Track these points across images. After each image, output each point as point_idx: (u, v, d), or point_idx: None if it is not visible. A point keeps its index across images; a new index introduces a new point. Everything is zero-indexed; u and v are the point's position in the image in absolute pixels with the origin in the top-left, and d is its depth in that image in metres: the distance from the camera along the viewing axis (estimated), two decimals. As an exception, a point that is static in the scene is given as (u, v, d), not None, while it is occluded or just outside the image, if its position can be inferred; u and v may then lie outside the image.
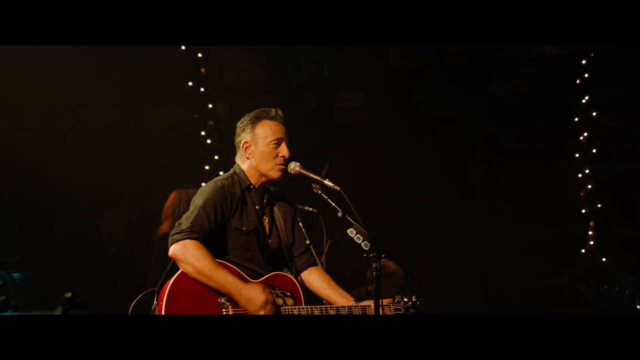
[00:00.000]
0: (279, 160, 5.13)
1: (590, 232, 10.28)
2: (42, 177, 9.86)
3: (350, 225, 5.03)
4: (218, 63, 11.12)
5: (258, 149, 5.16)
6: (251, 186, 5.14)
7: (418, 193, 10.80)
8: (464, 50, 10.82)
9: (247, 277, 5.01)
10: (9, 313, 3.06)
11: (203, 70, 10.91)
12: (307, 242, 5.49)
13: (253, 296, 4.83)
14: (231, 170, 5.25)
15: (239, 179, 5.13)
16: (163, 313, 4.63)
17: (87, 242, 10.10)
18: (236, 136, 5.31)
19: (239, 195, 5.06)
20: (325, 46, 11.00)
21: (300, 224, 5.54)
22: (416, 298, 5.24)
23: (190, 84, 10.90)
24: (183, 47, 10.83)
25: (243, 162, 5.23)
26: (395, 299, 5.29)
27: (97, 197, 10.28)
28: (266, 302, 4.84)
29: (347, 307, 5.18)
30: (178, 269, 4.84)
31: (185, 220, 4.85)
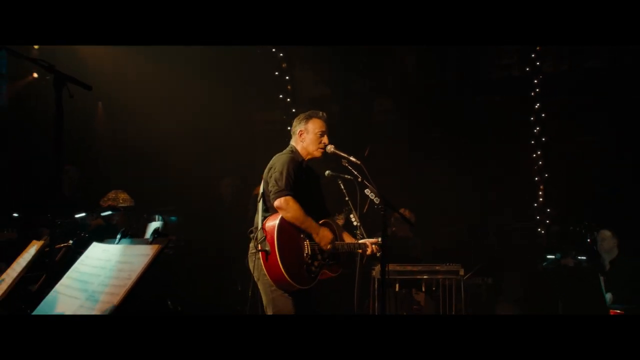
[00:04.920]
0: (322, 145, 5.27)
1: (540, 193, 10.27)
2: (186, 157, 10.11)
3: (366, 187, 5.19)
4: (299, 82, 11.21)
5: (310, 135, 5.28)
6: (302, 160, 5.23)
7: (427, 168, 10.83)
8: (460, 72, 10.80)
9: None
10: (127, 239, 3.14)
11: (289, 87, 11.05)
12: (347, 198, 5.56)
13: (325, 235, 5.07)
14: (289, 148, 5.34)
15: (297, 155, 5.23)
16: (275, 242, 4.75)
17: (211, 198, 10.35)
18: (294, 126, 5.44)
19: (300, 164, 5.17)
20: (369, 69, 11.06)
21: (342, 186, 5.62)
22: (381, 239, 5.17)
23: (281, 96, 11.04)
24: (276, 73, 10.98)
25: (297, 144, 5.34)
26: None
27: (219, 168, 10.53)
28: (332, 240, 5.11)
29: (355, 243, 5.42)
30: (266, 216, 5.03)
31: (279, 182, 4.93)
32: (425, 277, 8.12)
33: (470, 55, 10.88)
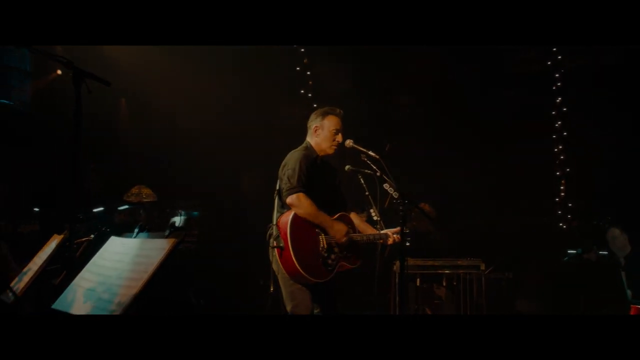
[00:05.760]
0: (335, 143, 5.28)
1: (562, 187, 10.23)
2: (209, 151, 10.15)
3: (385, 182, 5.18)
4: (320, 78, 11.18)
5: (324, 132, 5.29)
6: (317, 155, 5.23)
7: (447, 163, 10.71)
8: (480, 67, 10.66)
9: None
10: (144, 233, 3.17)
11: (311, 82, 11.04)
12: (367, 193, 5.53)
13: (340, 229, 5.09)
14: (304, 145, 5.35)
15: (311, 151, 5.24)
16: (288, 238, 4.79)
17: (234, 192, 10.39)
18: (310, 121, 5.45)
19: (314, 159, 5.17)
20: (389, 66, 10.98)
21: (362, 181, 5.60)
22: (406, 228, 5.11)
23: (302, 91, 11.03)
24: (298, 68, 10.95)
25: (312, 140, 5.36)
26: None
27: (242, 164, 10.56)
28: (347, 232, 5.11)
29: (377, 234, 5.41)
30: (282, 212, 5.06)
31: (292, 179, 4.96)
32: (446, 271, 8.09)
33: (490, 49, 10.77)
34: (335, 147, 5.32)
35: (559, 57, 10.23)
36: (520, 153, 10.41)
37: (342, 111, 5.44)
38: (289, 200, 4.94)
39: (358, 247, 5.33)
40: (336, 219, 5.21)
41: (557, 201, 10.29)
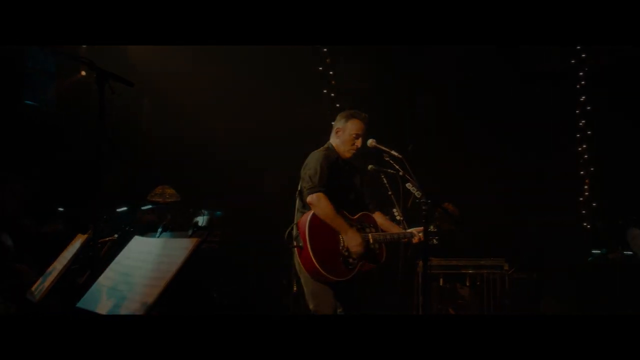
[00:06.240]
0: (354, 147, 5.29)
1: (585, 186, 10.15)
2: (232, 151, 10.16)
3: (408, 181, 5.17)
4: (342, 77, 11.14)
5: (344, 135, 5.30)
6: (338, 156, 5.24)
7: (469, 161, 10.57)
8: (502, 66, 10.58)
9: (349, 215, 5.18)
10: (168, 232, 3.18)
11: (333, 82, 10.99)
12: (389, 193, 5.51)
13: (353, 238, 5.01)
14: (326, 145, 5.37)
15: (332, 151, 5.24)
16: (307, 237, 4.81)
17: (256, 192, 10.39)
18: (335, 122, 5.46)
19: (335, 160, 5.18)
20: (412, 65, 10.93)
21: (385, 180, 5.58)
22: (433, 227, 5.19)
23: (325, 91, 11.01)
24: (320, 68, 10.92)
25: (334, 141, 5.37)
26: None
27: (264, 163, 10.55)
28: (361, 243, 5.03)
29: (401, 232, 5.42)
30: (303, 212, 5.09)
31: (313, 178, 4.98)
32: (470, 271, 8.06)
33: (513, 48, 10.68)
34: (353, 152, 5.32)
35: (583, 55, 10.17)
36: (544, 152, 10.35)
37: (367, 115, 5.44)
38: (309, 199, 4.95)
39: (379, 248, 5.32)
40: (357, 218, 5.24)
41: (581, 201, 10.19)
